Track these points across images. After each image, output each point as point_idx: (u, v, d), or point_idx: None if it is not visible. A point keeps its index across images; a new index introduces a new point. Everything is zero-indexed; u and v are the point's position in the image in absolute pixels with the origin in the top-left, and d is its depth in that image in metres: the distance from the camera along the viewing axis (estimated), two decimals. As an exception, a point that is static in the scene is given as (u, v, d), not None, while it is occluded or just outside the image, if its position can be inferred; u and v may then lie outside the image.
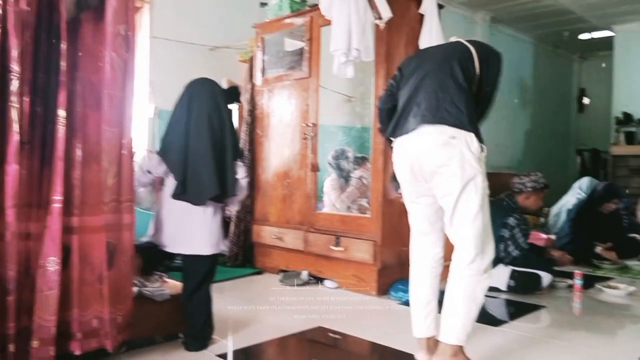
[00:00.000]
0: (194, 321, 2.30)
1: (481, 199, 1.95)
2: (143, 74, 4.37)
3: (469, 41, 2.17)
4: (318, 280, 3.60)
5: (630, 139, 8.06)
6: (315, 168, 3.67)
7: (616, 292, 3.44)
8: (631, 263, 4.29)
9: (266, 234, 3.96)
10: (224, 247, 2.40)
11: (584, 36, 8.85)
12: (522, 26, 8.30)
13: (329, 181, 3.89)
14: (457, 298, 1.95)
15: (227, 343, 2.42)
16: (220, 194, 2.26)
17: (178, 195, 2.23)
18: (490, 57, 2.14)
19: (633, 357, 2.33)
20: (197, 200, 2.25)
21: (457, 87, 2.00)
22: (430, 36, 3.28)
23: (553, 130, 9.62)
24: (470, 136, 1.93)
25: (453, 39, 2.26)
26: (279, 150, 3.94)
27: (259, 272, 3.96)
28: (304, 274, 3.60)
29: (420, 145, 1.99)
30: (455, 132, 1.93)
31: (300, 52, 3.80)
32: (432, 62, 2.11)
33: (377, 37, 3.26)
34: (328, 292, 3.44)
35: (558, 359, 2.33)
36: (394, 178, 2.21)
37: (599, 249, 4.34)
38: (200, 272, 2.31)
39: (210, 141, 2.24)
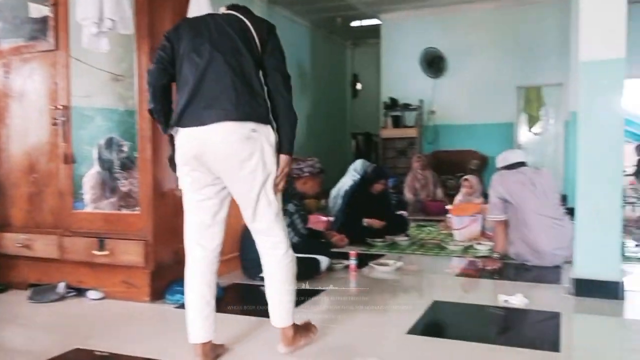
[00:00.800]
0: None
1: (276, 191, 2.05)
2: None
3: (244, 15, 2.04)
4: (79, 291, 3.09)
5: (396, 122, 8.95)
6: (69, 159, 3.11)
7: (386, 268, 3.67)
8: (399, 239, 4.67)
9: (9, 242, 3.25)
10: None
11: (355, 23, 9.51)
12: (298, 9, 8.51)
13: (89, 175, 3.35)
14: (284, 284, 2.11)
15: None
16: None
17: None
18: (270, 35, 2.05)
19: (402, 331, 2.43)
20: None
21: (253, 75, 1.98)
22: (200, 9, 2.98)
23: (331, 115, 10.19)
24: (269, 129, 1.98)
25: (222, 9, 2.08)
26: (21, 138, 3.25)
27: (2, 290, 3.24)
28: (61, 287, 3.04)
29: (218, 139, 1.92)
30: (256, 126, 1.94)
31: (45, 20, 3.16)
32: (217, 42, 1.98)
33: (137, 7, 2.86)
34: (92, 305, 2.97)
35: (334, 343, 2.31)
36: (172, 163, 2.08)
37: (366, 221, 4.63)
38: None
39: None
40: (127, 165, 3.33)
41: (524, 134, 8.63)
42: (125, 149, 3.33)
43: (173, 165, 2.08)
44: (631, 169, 9.12)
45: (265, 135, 1.96)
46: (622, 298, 2.87)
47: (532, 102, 8.46)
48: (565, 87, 7.74)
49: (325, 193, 5.49)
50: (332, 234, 4.24)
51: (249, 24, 2.02)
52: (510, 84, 8.42)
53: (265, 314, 2.47)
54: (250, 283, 3.37)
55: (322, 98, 9.80)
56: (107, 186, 3.34)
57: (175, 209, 3.06)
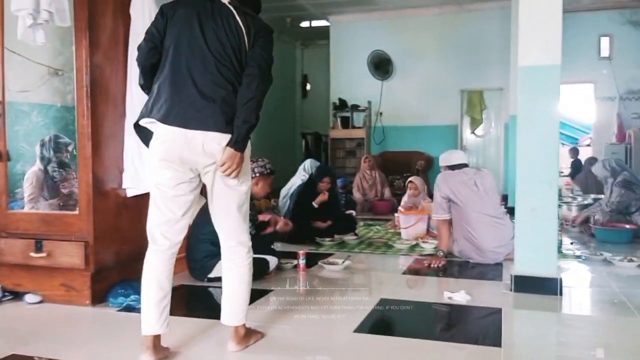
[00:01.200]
0: None
1: None
2: None
3: (237, 10, 2.06)
4: (16, 295, 2.94)
5: (345, 123, 9.03)
6: (3, 157, 2.95)
7: (335, 267, 3.69)
8: (347, 238, 4.71)
9: None
10: None
11: (304, 24, 9.52)
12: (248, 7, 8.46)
13: (31, 173, 3.19)
14: (242, 283, 2.16)
15: None
16: None
17: None
18: (260, 36, 2.08)
19: (349, 330, 2.45)
20: None
21: (237, 82, 2.02)
22: (143, 6, 2.89)
23: (281, 115, 10.17)
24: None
25: None
26: (-51, 135, 3.04)
27: None
28: (-6, 291, 2.88)
29: (205, 143, 1.97)
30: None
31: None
32: (210, 37, 2.00)
33: (76, -1, 2.74)
34: (29, 309, 2.83)
35: (282, 342, 2.31)
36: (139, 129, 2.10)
37: (317, 223, 4.64)
38: None
39: None
40: (69, 164, 3.19)
41: (468, 136, 8.91)
42: (70, 148, 3.19)
43: (142, 131, 2.10)
44: (567, 171, 9.62)
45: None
46: (559, 294, 3.00)
47: (474, 105, 8.75)
48: (506, 91, 8.05)
49: (275, 192, 5.48)
50: (277, 218, 4.19)
51: (240, 22, 2.03)
52: (454, 88, 8.68)
53: (212, 315, 2.46)
54: (198, 284, 3.31)
55: (273, 97, 9.63)
56: (47, 186, 3.20)
57: (117, 208, 2.97)
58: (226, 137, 1.98)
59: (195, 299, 3.18)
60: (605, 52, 8.58)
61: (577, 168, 9.24)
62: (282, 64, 10.38)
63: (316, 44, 10.71)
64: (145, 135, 2.10)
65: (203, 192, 2.18)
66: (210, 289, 3.22)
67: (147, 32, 2.07)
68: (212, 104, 1.97)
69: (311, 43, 10.90)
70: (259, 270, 3.30)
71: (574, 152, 9.95)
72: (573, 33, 8.13)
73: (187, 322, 2.57)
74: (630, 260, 3.79)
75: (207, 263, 3.23)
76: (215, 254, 3.23)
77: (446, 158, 4.15)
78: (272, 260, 3.41)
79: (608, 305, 2.97)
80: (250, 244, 2.19)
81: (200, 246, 3.23)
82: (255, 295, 2.97)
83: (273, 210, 5.93)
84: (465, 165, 4.07)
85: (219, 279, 3.13)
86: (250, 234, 3.30)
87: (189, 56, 1.99)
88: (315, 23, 9.44)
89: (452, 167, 4.04)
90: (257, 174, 3.59)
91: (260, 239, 3.61)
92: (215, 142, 1.98)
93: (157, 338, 2.05)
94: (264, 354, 2.19)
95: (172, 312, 2.13)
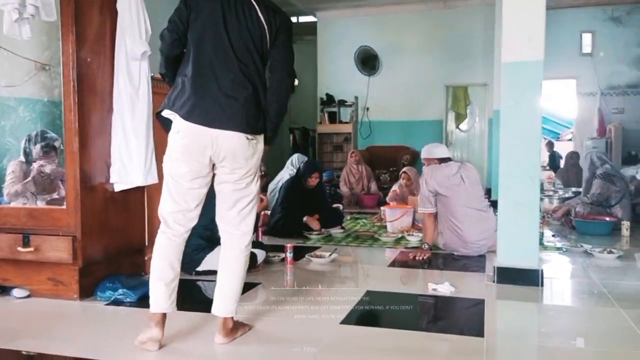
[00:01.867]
0: None
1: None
2: None
3: (258, 4, 2.10)
4: (4, 290, 2.94)
5: (332, 118, 9.07)
6: (-11, 152, 2.94)
7: (322, 260, 3.73)
8: (334, 231, 4.76)
9: None
10: None
11: (292, 20, 9.51)
12: (236, 4, 8.44)
13: (12, 166, 3.18)
14: (238, 275, 2.19)
15: None
16: None
17: None
18: (282, 31, 2.15)
19: (336, 322, 2.49)
20: None
21: (259, 83, 2.08)
22: (130, 0, 2.89)
23: (269, 109, 10.17)
24: (261, 137, 2.14)
25: None
26: None
27: None
28: (-18, 285, 2.88)
29: (226, 141, 2.03)
30: (257, 137, 2.11)
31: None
32: (234, 35, 2.04)
33: (63, -8, 2.73)
34: (17, 304, 2.83)
35: (270, 334, 2.35)
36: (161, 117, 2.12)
37: (305, 218, 4.67)
38: None
39: None
40: (55, 158, 3.19)
41: (452, 131, 9.00)
42: (57, 143, 3.18)
43: (164, 120, 2.12)
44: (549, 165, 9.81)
45: (261, 141, 2.14)
46: (540, 285, 3.07)
47: (459, 100, 8.84)
48: (490, 87, 8.13)
49: (263, 187, 5.50)
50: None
51: (262, 17, 2.07)
52: (439, 83, 8.75)
53: (200, 309, 2.49)
54: (187, 278, 3.32)
55: (260, 93, 9.76)
56: (35, 180, 3.18)
57: (105, 203, 2.98)
58: (245, 136, 2.05)
59: (183, 292, 3.18)
60: (587, 49, 8.74)
61: (553, 161, 9.46)
62: (269, 59, 10.37)
63: (303, 40, 10.70)
64: (165, 123, 2.14)
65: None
66: (199, 283, 3.24)
67: (170, 21, 2.09)
68: (235, 104, 2.02)
69: (299, 39, 10.87)
70: (247, 264, 3.34)
71: (550, 145, 10.18)
72: (556, 29, 8.26)
73: (174, 315, 2.58)
74: (610, 252, 3.89)
75: (196, 256, 3.25)
76: (203, 248, 3.27)
77: (429, 151, 4.20)
78: (260, 254, 3.44)
79: (587, 295, 3.05)
80: (251, 236, 2.24)
81: (189, 240, 3.24)
82: (243, 289, 3.01)
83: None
84: (449, 159, 4.14)
85: (207, 272, 3.20)
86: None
87: (212, 54, 2.03)
88: (303, 19, 9.44)
89: (439, 161, 4.10)
90: None
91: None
92: (236, 141, 2.04)
93: (164, 316, 2.12)
94: (251, 346, 2.22)
95: (162, 305, 2.15)
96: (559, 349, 2.25)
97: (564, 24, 8.50)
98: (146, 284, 2.26)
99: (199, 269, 3.27)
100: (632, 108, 8.63)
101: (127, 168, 2.91)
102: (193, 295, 3.14)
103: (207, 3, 2.07)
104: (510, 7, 3.14)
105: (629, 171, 5.84)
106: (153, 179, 2.99)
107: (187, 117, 2.01)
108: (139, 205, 3.22)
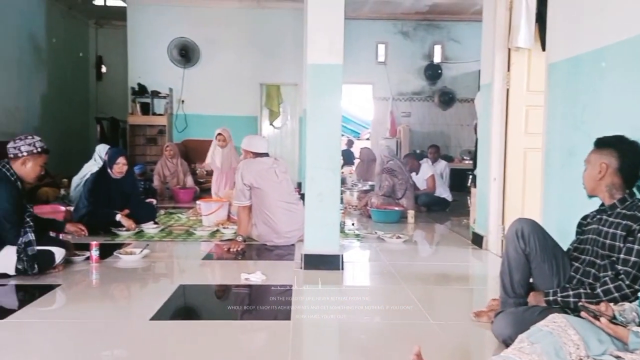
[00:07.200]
0: None
1: None
2: None
3: None
4: None
5: (145, 109, 8.65)
6: None
7: (132, 257, 3.59)
8: (146, 226, 4.59)
9: None
10: None
11: (98, 1, 8.83)
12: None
13: None
14: None
15: None
16: None
17: None
18: None
19: (146, 318, 2.44)
20: None
21: None
22: None
23: (72, 97, 9.34)
24: None
25: None
26: None
27: None
28: None
29: None
30: None
31: None
32: None
33: None
34: None
35: (71, 339, 2.21)
36: None
37: (118, 217, 4.41)
38: None
39: None
40: None
41: (267, 128, 9.32)
42: None
43: None
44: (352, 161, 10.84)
45: None
46: (341, 268, 3.39)
47: (272, 98, 9.19)
48: (300, 86, 8.62)
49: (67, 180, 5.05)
50: (70, 225, 3.69)
51: None
52: (254, 80, 8.99)
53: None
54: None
55: (62, 78, 8.88)
56: None
57: None
58: None
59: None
60: (381, 58, 9.86)
61: (348, 157, 10.63)
62: (72, 43, 9.50)
63: (112, 24, 10.02)
64: None
65: None
66: None
67: None
68: None
69: (107, 23, 10.15)
70: (44, 264, 3.06)
71: (349, 143, 11.47)
72: (356, 38, 9.17)
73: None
74: (398, 237, 4.45)
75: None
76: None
77: (250, 143, 4.32)
78: (59, 252, 3.17)
79: (379, 276, 3.46)
80: None
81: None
82: (37, 293, 2.79)
83: (63, 200, 5.47)
84: (266, 155, 4.30)
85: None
86: (28, 223, 3.02)
87: None
88: (111, 2, 8.82)
89: (255, 156, 4.24)
90: (25, 153, 3.11)
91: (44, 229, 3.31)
92: None
93: None
94: (48, 353, 2.07)
95: None
96: (356, 324, 2.51)
97: (363, 33, 9.48)
98: None
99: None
100: (416, 112, 9.96)
101: None
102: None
103: None
104: (313, 13, 3.40)
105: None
106: None
107: None
108: None
